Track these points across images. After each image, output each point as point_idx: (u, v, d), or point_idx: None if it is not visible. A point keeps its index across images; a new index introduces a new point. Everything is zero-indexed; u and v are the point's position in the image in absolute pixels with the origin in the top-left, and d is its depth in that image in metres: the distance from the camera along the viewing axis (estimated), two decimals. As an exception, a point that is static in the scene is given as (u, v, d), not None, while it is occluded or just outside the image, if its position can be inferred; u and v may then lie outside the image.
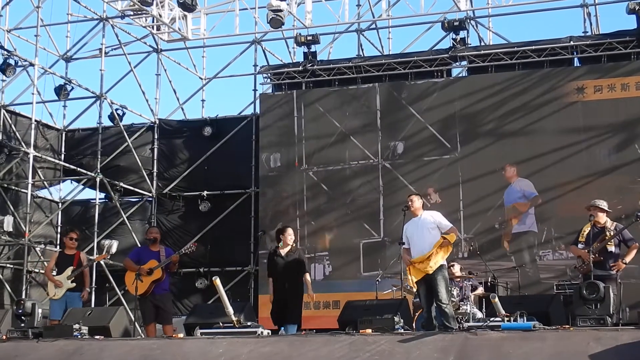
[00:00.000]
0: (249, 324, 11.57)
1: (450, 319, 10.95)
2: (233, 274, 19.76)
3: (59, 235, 21.00)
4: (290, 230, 13.42)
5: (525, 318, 10.74)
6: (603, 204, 12.18)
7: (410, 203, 11.42)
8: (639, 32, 17.59)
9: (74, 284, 13.84)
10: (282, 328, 12.83)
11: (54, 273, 14.03)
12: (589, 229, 12.12)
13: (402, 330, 10.79)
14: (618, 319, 11.16)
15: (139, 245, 19.60)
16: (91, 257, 15.05)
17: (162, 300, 13.50)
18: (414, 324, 12.77)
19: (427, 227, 11.21)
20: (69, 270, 13.90)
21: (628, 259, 12.01)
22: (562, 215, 17.30)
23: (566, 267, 16.85)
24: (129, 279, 13.46)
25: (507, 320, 10.73)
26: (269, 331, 11.67)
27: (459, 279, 14.11)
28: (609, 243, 11.88)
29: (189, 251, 13.78)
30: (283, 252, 13.20)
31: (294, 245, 13.36)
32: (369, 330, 10.61)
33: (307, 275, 13.30)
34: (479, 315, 13.07)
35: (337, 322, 12.47)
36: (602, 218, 12.13)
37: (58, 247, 14.59)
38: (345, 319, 12.21)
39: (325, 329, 12.80)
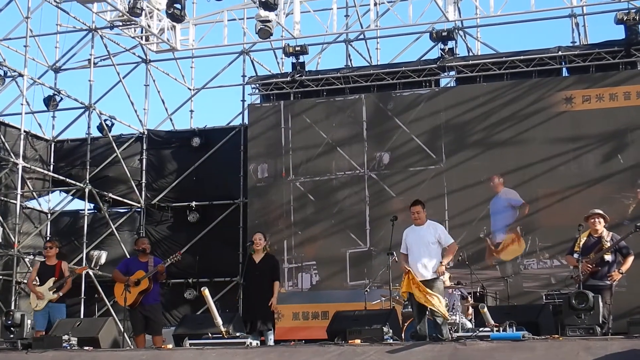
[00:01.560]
0: (237, 334, 11.55)
1: (442, 330, 10.99)
2: (222, 285, 19.74)
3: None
4: (256, 235, 13.32)
5: (514, 328, 10.75)
6: (601, 212, 12.22)
7: (416, 215, 11.39)
8: (627, 42, 17.67)
9: (56, 295, 13.80)
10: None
11: (36, 284, 13.97)
12: (586, 238, 12.13)
13: (391, 341, 10.79)
14: (608, 328, 11.19)
15: (128, 256, 19.58)
16: (72, 267, 14.95)
17: (152, 310, 13.48)
18: (402, 334, 12.76)
19: (428, 242, 11.19)
20: (50, 282, 13.85)
21: (625, 268, 12.03)
22: (547, 225, 17.36)
23: (550, 275, 16.98)
24: (117, 291, 13.46)
25: (497, 330, 10.74)
26: (258, 342, 11.66)
27: (448, 288, 14.12)
28: (606, 253, 11.90)
29: (174, 260, 13.71)
30: (257, 258, 13.13)
31: (268, 250, 13.28)
32: (358, 341, 10.61)
33: (277, 283, 13.08)
34: (469, 325, 13.08)
35: (326, 333, 12.45)
36: (601, 227, 12.14)
37: (39, 257, 14.64)
38: (334, 330, 12.19)
39: (314, 339, 12.78)
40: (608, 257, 11.95)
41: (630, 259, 12.05)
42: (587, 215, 12.31)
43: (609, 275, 11.87)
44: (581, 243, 12.09)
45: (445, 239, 11.24)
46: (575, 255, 12.06)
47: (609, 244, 11.94)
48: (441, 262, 11.08)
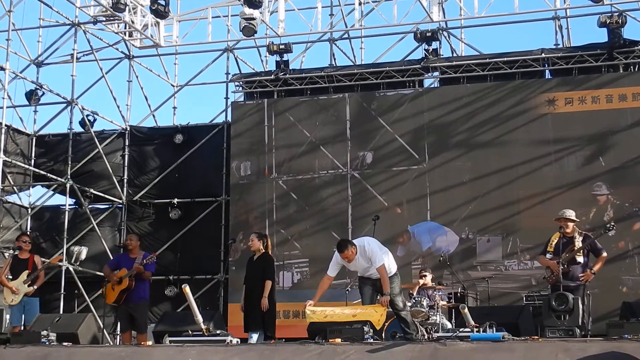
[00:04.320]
0: (218, 332, 11.51)
1: (410, 325, 11.12)
2: (203, 282, 19.69)
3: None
4: (251, 236, 13.30)
5: (494, 329, 10.77)
6: (571, 214, 12.30)
7: (347, 260, 11.33)
8: (610, 45, 17.75)
9: (31, 288, 13.69)
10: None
11: (9, 278, 13.83)
12: (558, 238, 12.21)
13: (372, 340, 10.78)
14: (587, 330, 11.22)
15: (109, 252, 19.53)
16: (45, 260, 14.83)
17: (137, 308, 13.31)
18: (383, 334, 12.76)
19: (368, 268, 11.32)
20: (24, 275, 13.72)
21: (596, 268, 12.14)
22: (528, 227, 17.41)
23: (531, 277, 17.05)
24: (104, 286, 13.40)
25: (477, 331, 10.75)
26: (238, 340, 11.62)
27: (429, 289, 14.17)
28: (577, 254, 11.98)
29: (149, 262, 13.49)
30: (255, 257, 13.12)
31: (261, 249, 13.15)
32: (338, 340, 10.58)
33: (267, 282, 12.84)
34: (449, 325, 13.11)
35: (307, 331, 12.44)
36: (571, 228, 12.23)
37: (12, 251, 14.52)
38: (315, 328, 12.17)
39: (295, 338, 12.76)
40: (580, 259, 12.04)
41: (603, 258, 12.15)
42: (557, 218, 12.39)
43: (581, 275, 11.96)
44: (553, 243, 12.18)
45: (374, 260, 11.27)
46: (548, 256, 12.15)
47: (579, 244, 12.02)
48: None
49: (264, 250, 13.04)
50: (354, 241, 11.49)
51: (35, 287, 13.78)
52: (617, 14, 17.68)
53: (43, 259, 14.68)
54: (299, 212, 18.96)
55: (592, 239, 12.19)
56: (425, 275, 14.87)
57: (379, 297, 11.25)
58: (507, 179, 17.79)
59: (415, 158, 18.38)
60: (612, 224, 12.33)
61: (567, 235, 12.20)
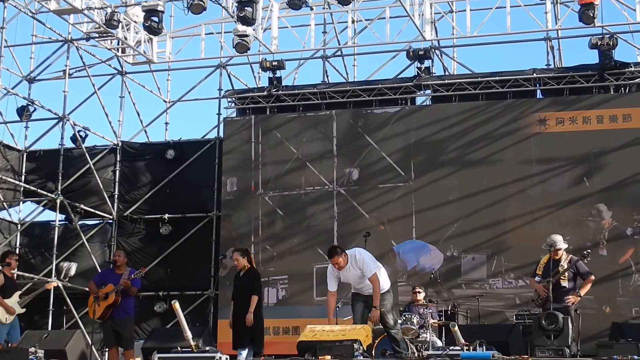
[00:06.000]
0: (207, 348, 11.48)
1: (400, 343, 11.12)
2: (192, 298, 19.64)
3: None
4: (234, 255, 13.20)
5: (484, 347, 10.77)
6: (558, 241, 12.21)
7: (337, 266, 11.39)
8: (601, 66, 17.82)
9: (24, 309, 13.57)
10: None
11: None
12: (547, 261, 12.19)
13: (362, 357, 10.77)
14: (577, 350, 11.23)
15: (98, 268, 19.46)
16: (41, 279, 14.70)
17: (122, 324, 13.23)
18: (373, 351, 12.75)
19: (360, 278, 11.35)
20: (16, 295, 13.60)
21: (583, 292, 12.14)
22: (514, 246, 17.42)
23: (515, 296, 17.05)
24: (90, 301, 13.31)
25: (467, 349, 10.75)
26: (227, 356, 11.59)
27: (420, 307, 14.17)
28: (562, 278, 11.96)
29: (137, 276, 13.44)
30: (241, 272, 13.06)
31: (247, 266, 13.07)
32: (328, 357, 10.57)
33: (254, 297, 12.68)
34: (439, 343, 13.10)
35: (296, 349, 12.42)
36: (561, 252, 12.18)
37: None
38: (305, 346, 12.15)
39: (284, 355, 12.74)
40: (565, 283, 12.03)
41: (589, 282, 12.14)
42: (547, 248, 12.32)
43: (567, 298, 11.93)
44: (542, 266, 12.19)
45: (365, 269, 11.28)
46: (537, 279, 12.16)
47: (565, 268, 12.01)
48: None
49: (249, 266, 12.99)
50: (346, 251, 11.48)
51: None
52: (608, 35, 17.75)
53: (39, 277, 14.58)
54: (286, 229, 18.94)
55: (576, 260, 12.17)
56: (419, 292, 14.89)
57: (369, 314, 11.24)
58: (495, 198, 17.79)
59: (402, 176, 18.38)
60: (588, 251, 12.39)
61: (556, 257, 12.17)
